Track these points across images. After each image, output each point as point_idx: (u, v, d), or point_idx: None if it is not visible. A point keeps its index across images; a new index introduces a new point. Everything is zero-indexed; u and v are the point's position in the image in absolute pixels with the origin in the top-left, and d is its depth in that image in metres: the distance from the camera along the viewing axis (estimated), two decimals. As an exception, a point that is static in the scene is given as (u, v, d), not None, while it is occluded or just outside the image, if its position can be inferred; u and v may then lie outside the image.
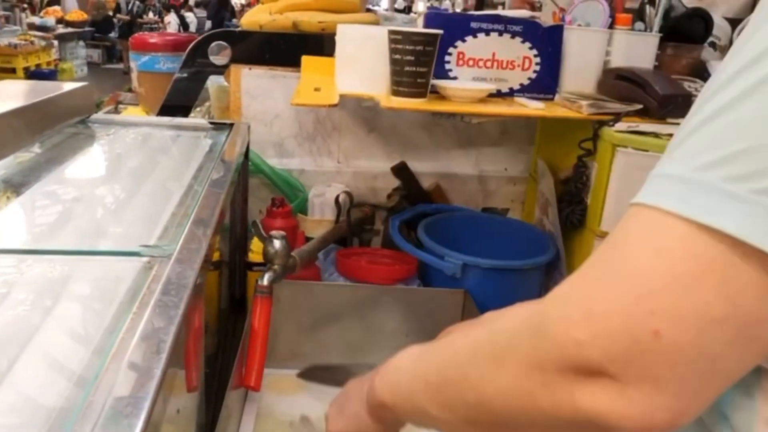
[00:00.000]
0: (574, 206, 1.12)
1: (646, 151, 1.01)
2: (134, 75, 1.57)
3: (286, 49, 1.27)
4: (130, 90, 1.98)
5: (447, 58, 1.14)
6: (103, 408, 0.36)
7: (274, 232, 0.96)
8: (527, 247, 1.18)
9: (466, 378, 0.42)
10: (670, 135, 0.96)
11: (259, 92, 1.32)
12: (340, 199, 1.28)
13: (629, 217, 0.37)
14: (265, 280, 0.93)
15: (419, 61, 1.03)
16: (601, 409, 0.35)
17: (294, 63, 1.26)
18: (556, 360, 0.36)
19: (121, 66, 8.90)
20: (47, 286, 0.57)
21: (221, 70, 1.31)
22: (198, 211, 0.72)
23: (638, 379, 0.34)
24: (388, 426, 0.58)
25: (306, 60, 1.24)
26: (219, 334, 1.10)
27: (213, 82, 1.42)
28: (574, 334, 0.35)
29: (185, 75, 1.32)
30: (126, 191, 0.88)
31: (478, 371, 0.41)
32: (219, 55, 1.31)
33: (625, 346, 0.34)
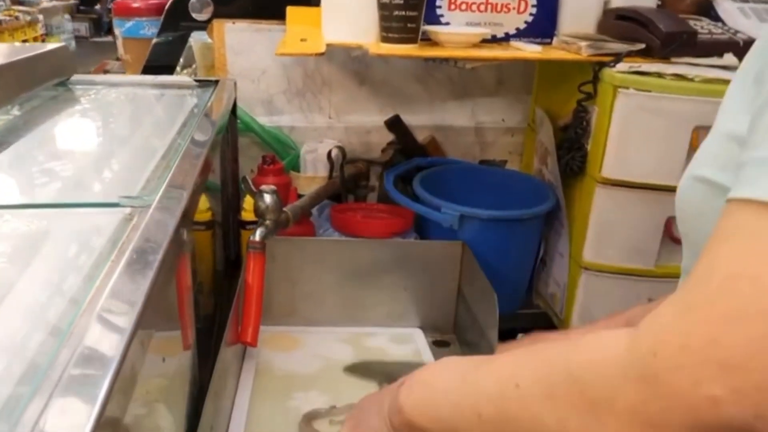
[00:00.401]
0: (574, 153, 1.09)
1: (649, 91, 0.97)
2: (119, 42, 1.54)
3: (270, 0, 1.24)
4: (118, 59, 1.96)
5: (438, 2, 1.10)
6: (72, 357, 0.34)
7: (264, 187, 0.94)
8: (526, 198, 1.16)
9: (539, 424, 0.37)
10: (675, 75, 0.96)
11: (243, 47, 1.28)
12: (333, 154, 1.25)
13: (736, 214, 0.32)
14: (257, 236, 0.91)
15: (408, 4, 0.99)
16: None
17: (279, 15, 1.22)
18: (682, 421, 0.31)
19: (110, 38, 8.79)
20: (26, 240, 0.55)
21: (203, 25, 1.27)
22: (180, 163, 0.70)
23: None
24: None
25: (291, 11, 1.21)
26: (215, 294, 1.09)
27: (196, 40, 1.38)
28: (707, 392, 0.30)
29: (166, 35, 1.29)
30: (108, 148, 0.86)
31: (557, 422, 0.36)
32: (202, 12, 1.27)
33: None
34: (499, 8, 1.11)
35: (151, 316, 0.42)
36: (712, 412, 0.30)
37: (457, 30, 1.08)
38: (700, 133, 0.96)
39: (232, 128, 1.20)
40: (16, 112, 0.94)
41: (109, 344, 0.35)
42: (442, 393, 0.46)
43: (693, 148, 0.96)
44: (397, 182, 1.21)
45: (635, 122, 0.99)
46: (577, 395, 0.35)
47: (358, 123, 1.36)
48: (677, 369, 0.31)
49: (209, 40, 1.32)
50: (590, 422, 0.34)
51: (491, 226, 1.09)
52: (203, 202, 1.10)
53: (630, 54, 1.02)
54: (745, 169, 0.33)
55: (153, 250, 0.46)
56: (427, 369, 0.51)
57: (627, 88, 0.98)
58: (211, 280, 1.10)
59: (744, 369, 0.29)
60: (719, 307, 0.30)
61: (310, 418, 0.84)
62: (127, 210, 0.58)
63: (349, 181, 1.26)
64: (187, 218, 0.59)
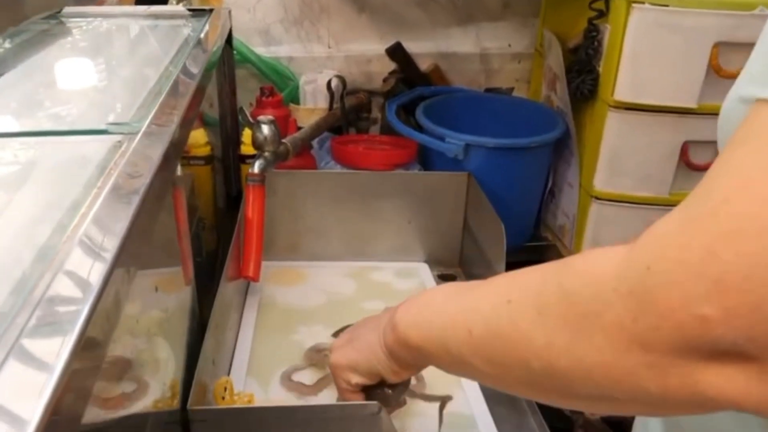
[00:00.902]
0: (585, 76, 1.05)
1: (666, 6, 0.93)
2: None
3: None
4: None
5: None
6: (53, 278, 0.33)
7: (261, 117, 0.92)
8: (534, 126, 1.13)
9: (528, 340, 0.36)
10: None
11: (237, -27, 1.24)
12: (333, 84, 1.22)
13: (757, 116, 0.30)
14: (256, 168, 0.90)
15: None
16: (732, 393, 0.29)
17: (273, -63, 1.18)
18: (670, 339, 0.29)
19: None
20: (13, 167, 0.53)
21: (195, -50, 1.23)
22: (170, 91, 0.68)
23: None
24: (405, 366, 0.54)
25: (286, -68, 1.16)
26: (217, 231, 1.11)
27: (189, -32, 1.33)
28: (696, 311, 0.28)
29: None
30: (98, 78, 0.83)
31: (545, 337, 0.35)
32: (193, -64, 1.23)
33: None
34: None
35: (140, 245, 0.41)
36: (702, 332, 0.28)
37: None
38: (721, 50, 0.91)
39: (229, 60, 1.17)
40: (6, 45, 0.91)
41: (91, 269, 0.33)
42: (437, 311, 0.46)
43: (713, 67, 0.92)
44: (399, 112, 1.20)
45: (650, 40, 0.95)
46: (566, 310, 0.34)
47: (359, 52, 1.32)
48: (670, 285, 0.29)
49: (201, -32, 1.28)
50: (577, 339, 0.33)
51: (498, 155, 1.07)
52: (201, 136, 1.10)
53: (645, -34, 0.97)
54: None
55: (139, 175, 0.45)
56: (427, 290, 0.52)
57: (642, 2, 0.94)
58: (212, 216, 1.10)
59: (738, 288, 0.27)
60: (721, 219, 0.28)
61: (313, 351, 0.84)
62: (117, 137, 0.56)
63: (350, 113, 1.23)
64: (177, 146, 0.56)
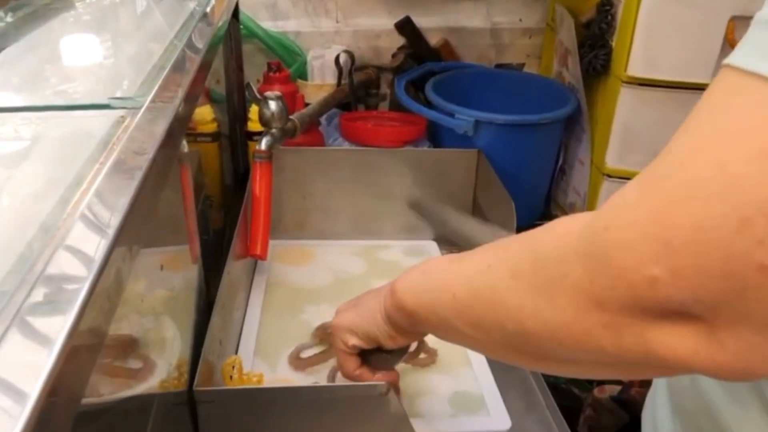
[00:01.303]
0: (597, 51, 1.04)
1: (680, -22, 0.91)
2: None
3: None
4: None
5: None
6: (54, 254, 0.32)
7: (268, 93, 0.91)
8: (545, 102, 1.12)
9: (502, 303, 0.38)
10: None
11: (243, -54, 1.22)
12: (341, 60, 1.21)
13: (720, 82, 0.30)
14: (263, 145, 0.90)
15: None
16: (682, 353, 0.30)
17: None
18: (622, 299, 0.31)
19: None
20: (15, 142, 0.52)
21: None
22: (175, 65, 0.67)
23: (734, 322, 0.28)
24: (401, 332, 0.56)
25: None
26: (225, 209, 1.11)
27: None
28: (646, 271, 0.29)
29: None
30: (102, 52, 0.82)
31: (517, 300, 0.37)
32: None
33: (718, 286, 0.28)
34: None
35: (143, 222, 0.40)
36: (651, 293, 0.29)
37: None
38: (737, 24, 0.90)
39: (235, 34, 1.15)
40: (8, 18, 0.90)
41: (92, 245, 0.33)
42: (431, 277, 0.48)
43: (728, 41, 0.90)
44: (408, 88, 1.19)
45: (665, 14, 0.93)
46: (536, 274, 0.36)
47: (367, 26, 1.31)
48: (623, 246, 0.30)
49: (207, -60, 1.26)
50: (543, 301, 0.35)
51: (508, 132, 1.06)
52: (208, 112, 1.09)
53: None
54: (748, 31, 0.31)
55: (143, 150, 0.44)
56: (429, 259, 0.53)
57: (657, -25, 0.92)
58: (219, 194, 1.09)
59: (685, 251, 0.28)
60: (674, 183, 0.29)
61: (321, 330, 0.84)
62: (120, 112, 0.55)
63: (358, 89, 1.22)
64: (181, 121, 0.55)
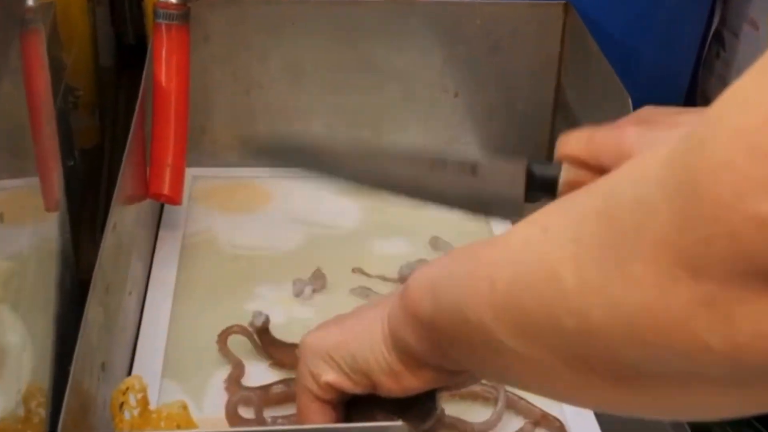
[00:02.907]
0: None
1: None
2: None
3: None
4: None
5: None
6: None
7: None
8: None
9: (558, 284, 0.40)
10: None
11: None
12: None
13: None
14: (172, -8, 0.90)
15: None
16: None
17: None
18: (725, 256, 0.32)
19: None
20: None
21: None
22: None
23: None
24: (408, 362, 0.57)
25: None
26: (102, 112, 1.11)
27: None
28: (751, 205, 0.31)
29: None
30: None
31: (577, 275, 0.39)
32: None
33: None
34: None
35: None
36: (758, 239, 0.31)
37: None
38: None
39: None
40: None
41: None
42: (457, 265, 0.52)
43: None
44: None
45: None
46: (604, 230, 0.38)
47: None
48: (721, 168, 0.32)
49: None
50: (612, 272, 0.37)
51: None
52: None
53: None
54: None
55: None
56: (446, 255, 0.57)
57: None
58: (92, 84, 1.08)
59: None
60: None
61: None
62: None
63: None
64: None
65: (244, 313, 0.86)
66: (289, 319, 0.87)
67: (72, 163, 0.92)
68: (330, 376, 0.60)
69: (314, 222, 1.01)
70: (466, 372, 0.57)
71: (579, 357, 0.41)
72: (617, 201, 0.38)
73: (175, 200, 0.92)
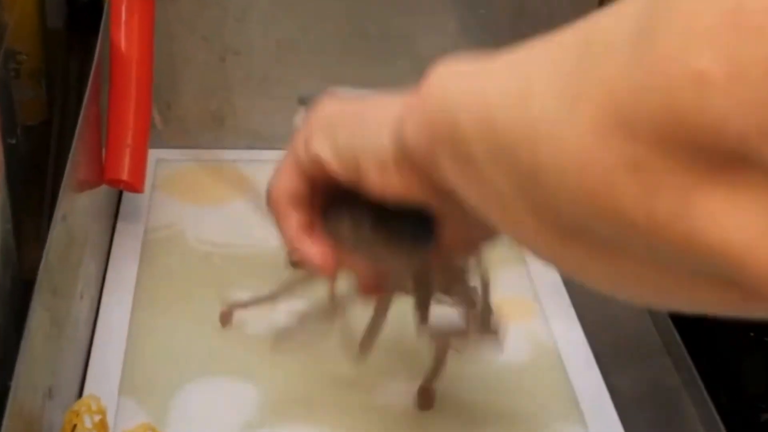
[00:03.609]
0: None
1: None
2: None
3: None
4: None
5: None
6: None
7: None
8: None
9: (526, 111, 0.44)
10: None
11: None
12: None
13: None
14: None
15: None
16: (736, 241, 0.34)
17: None
18: (658, 115, 0.35)
19: None
20: None
21: None
22: None
23: None
24: (404, 162, 0.59)
25: None
26: (50, 80, 1.10)
27: None
28: (693, 61, 0.33)
29: None
30: None
31: (540, 105, 0.42)
32: None
33: None
34: None
35: None
36: (694, 103, 0.33)
37: None
38: None
39: None
40: None
41: None
42: (473, 73, 0.53)
43: None
44: None
45: None
46: (575, 58, 0.41)
47: None
48: (676, 18, 0.34)
49: None
50: (564, 112, 0.40)
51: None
52: None
53: None
54: None
55: None
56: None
57: None
58: (38, 49, 1.08)
59: (761, 36, 0.31)
60: None
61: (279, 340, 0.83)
62: None
63: None
64: None
65: (215, 321, 0.88)
66: (271, 328, 0.85)
67: (14, 141, 0.91)
68: (321, 147, 0.63)
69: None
70: (448, 198, 0.57)
71: (528, 196, 0.44)
72: (596, 27, 0.41)
73: (136, 187, 0.92)
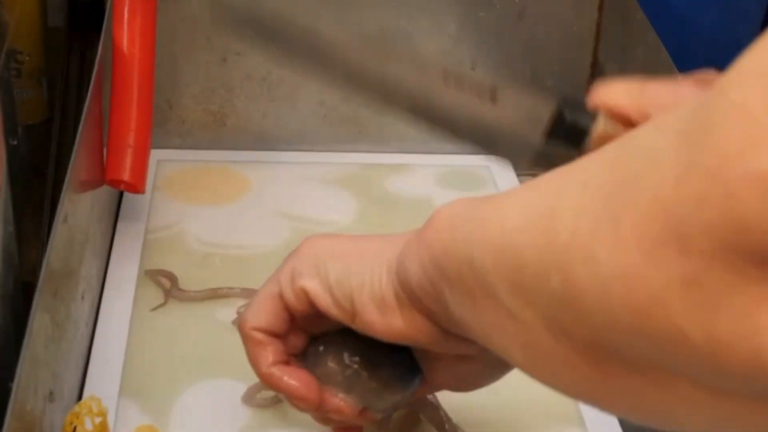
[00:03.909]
0: None
1: None
2: None
3: None
4: None
5: None
6: None
7: None
8: None
9: (553, 234, 0.42)
10: None
11: None
12: None
13: None
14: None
15: None
16: None
17: None
18: (716, 224, 0.33)
19: None
20: None
21: None
22: None
23: None
24: (406, 301, 0.59)
25: None
26: (50, 81, 1.10)
27: None
28: (755, 160, 0.31)
29: None
30: None
31: (571, 225, 0.41)
32: None
33: None
34: None
35: None
36: (755, 202, 0.31)
37: None
38: None
39: None
40: None
41: None
42: (481, 206, 0.53)
43: None
44: None
45: None
46: (608, 177, 0.40)
47: None
48: (734, 112, 0.33)
49: None
50: (602, 224, 0.38)
51: None
52: None
53: None
54: None
55: None
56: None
57: None
58: (38, 50, 1.08)
59: None
60: None
61: None
62: None
63: None
64: None
65: (216, 322, 0.88)
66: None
67: (14, 141, 0.91)
68: (311, 282, 0.62)
69: (301, 216, 1.01)
70: (454, 338, 0.57)
71: (562, 325, 0.42)
72: (629, 146, 0.40)
73: (137, 188, 0.92)
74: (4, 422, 0.59)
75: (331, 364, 0.64)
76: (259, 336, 0.65)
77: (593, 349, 0.41)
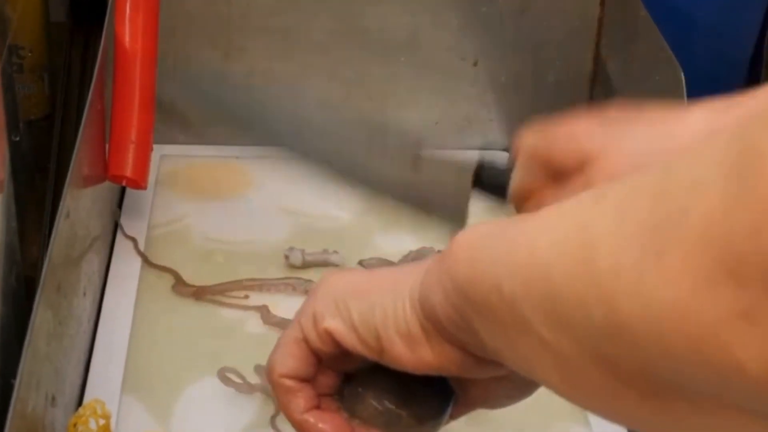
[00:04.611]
0: None
1: None
2: None
3: None
4: None
5: None
6: None
7: None
8: None
9: (592, 265, 0.41)
10: None
11: None
12: None
13: None
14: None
15: None
16: None
17: None
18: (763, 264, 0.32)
19: None
20: None
21: None
22: None
23: None
24: (434, 333, 0.57)
25: None
26: (51, 76, 1.11)
27: None
28: None
29: None
30: None
31: (613, 256, 0.40)
32: None
33: None
34: None
35: None
36: None
37: None
38: None
39: None
40: None
41: None
42: (505, 230, 0.52)
43: None
44: None
45: None
46: (651, 208, 0.39)
47: None
48: None
49: None
50: (647, 262, 0.37)
51: None
52: None
53: None
54: None
55: None
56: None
57: None
58: (40, 45, 1.09)
59: None
60: None
61: None
62: None
63: None
64: None
65: (219, 318, 0.88)
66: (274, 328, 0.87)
67: (16, 137, 0.92)
68: (334, 322, 0.60)
69: (305, 212, 1.02)
70: (487, 364, 0.56)
71: (606, 356, 0.42)
72: (673, 177, 0.39)
73: (139, 183, 0.92)
74: (7, 419, 0.60)
75: (370, 407, 0.63)
76: (289, 383, 0.63)
77: (641, 379, 0.41)
